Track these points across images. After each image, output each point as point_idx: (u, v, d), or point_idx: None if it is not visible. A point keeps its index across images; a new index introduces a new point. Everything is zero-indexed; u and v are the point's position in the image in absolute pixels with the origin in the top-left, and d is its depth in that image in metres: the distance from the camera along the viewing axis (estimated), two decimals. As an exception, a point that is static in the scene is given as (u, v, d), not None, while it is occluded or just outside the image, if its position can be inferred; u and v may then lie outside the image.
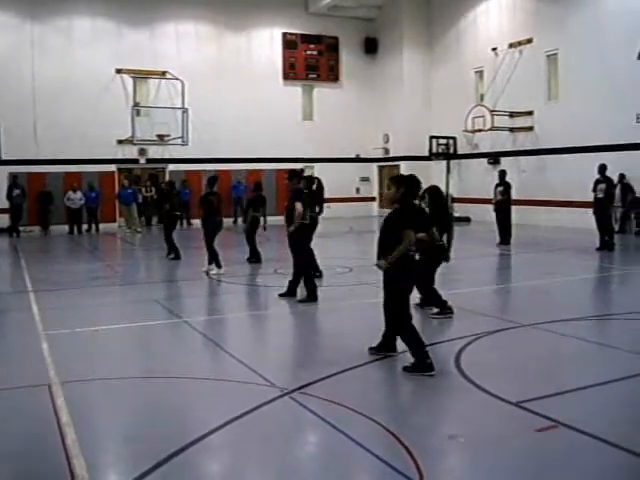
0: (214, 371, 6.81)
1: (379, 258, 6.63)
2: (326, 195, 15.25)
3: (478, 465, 4.58)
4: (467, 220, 26.39)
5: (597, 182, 16.47)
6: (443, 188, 27.27)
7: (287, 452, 4.81)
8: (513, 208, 18.14)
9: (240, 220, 24.13)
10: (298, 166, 28.57)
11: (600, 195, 16.21)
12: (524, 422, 5.15)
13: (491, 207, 17.95)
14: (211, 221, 13.57)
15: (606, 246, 15.90)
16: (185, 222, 26.99)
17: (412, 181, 6.77)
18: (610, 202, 16.51)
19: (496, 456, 4.64)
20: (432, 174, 29.41)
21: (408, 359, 6.72)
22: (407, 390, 6.13)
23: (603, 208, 16.18)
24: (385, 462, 4.42)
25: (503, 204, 17.57)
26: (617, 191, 20.36)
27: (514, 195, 19.29)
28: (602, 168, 16.53)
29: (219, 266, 13.33)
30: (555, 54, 23.41)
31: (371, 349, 7.02)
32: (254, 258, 14.81)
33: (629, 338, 7.61)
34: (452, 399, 5.95)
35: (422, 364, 6.39)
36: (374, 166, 31.85)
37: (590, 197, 16.64)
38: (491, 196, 18.28)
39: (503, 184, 17.89)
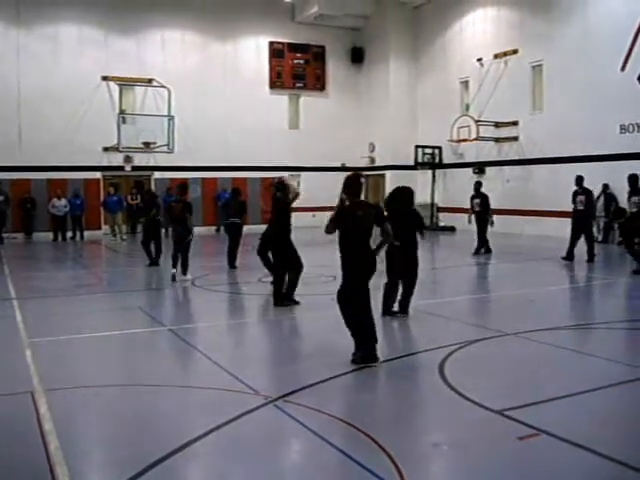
0: (198, 379, 6.80)
1: None
2: (312, 204, 15.52)
3: (461, 473, 4.61)
4: (452, 229, 26.51)
5: (575, 194, 16.36)
6: (429, 198, 27.52)
7: (271, 460, 4.81)
8: (498, 218, 18.23)
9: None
10: (285, 174, 28.79)
11: (580, 207, 16.08)
12: (507, 430, 5.18)
13: (472, 217, 17.93)
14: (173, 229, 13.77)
15: (570, 258, 15.69)
16: (171, 230, 26.96)
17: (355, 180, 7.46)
18: (591, 213, 16.39)
19: (479, 464, 4.66)
20: (417, 183, 29.54)
21: (391, 367, 6.76)
22: (391, 398, 6.15)
23: (584, 219, 16.08)
24: (368, 470, 4.43)
25: (481, 215, 17.63)
26: (600, 201, 20.56)
27: (499, 205, 19.45)
28: (579, 179, 16.41)
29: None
30: (540, 65, 23.60)
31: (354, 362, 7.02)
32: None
33: (609, 347, 7.68)
34: (436, 407, 5.97)
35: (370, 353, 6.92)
36: (360, 175, 31.83)
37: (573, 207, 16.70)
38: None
39: (480, 196, 17.89)
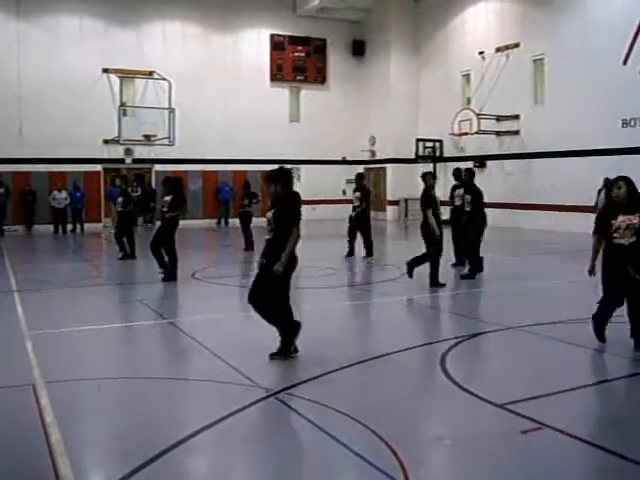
0: (199, 372, 6.78)
1: (269, 260, 6.73)
2: (312, 197, 15.57)
3: (464, 467, 4.60)
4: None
5: (454, 188, 14.51)
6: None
7: (272, 453, 4.80)
8: (498, 211, 18.13)
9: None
10: (289, 166, 28.67)
11: (458, 202, 13.92)
12: (509, 424, 5.17)
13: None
14: None
15: (461, 263, 13.53)
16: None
17: (287, 174, 6.97)
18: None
19: (482, 458, 4.65)
20: (418, 177, 29.52)
21: (393, 360, 6.76)
22: (393, 392, 6.13)
23: (463, 217, 13.50)
24: (371, 463, 4.42)
25: (361, 213, 15.71)
26: (601, 195, 20.53)
27: (500, 198, 19.34)
28: (457, 171, 14.65)
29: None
30: (542, 59, 23.55)
31: (273, 355, 6.92)
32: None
33: (612, 341, 7.65)
34: (438, 401, 5.96)
35: (290, 346, 6.88)
36: (360, 168, 31.83)
37: (575, 201, 16.63)
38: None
39: (360, 189, 16.03)
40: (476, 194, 12.69)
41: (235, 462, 4.71)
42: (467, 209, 12.80)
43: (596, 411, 5.60)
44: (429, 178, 12.00)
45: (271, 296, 6.82)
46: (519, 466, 4.52)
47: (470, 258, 12.68)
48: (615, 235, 6.97)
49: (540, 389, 5.94)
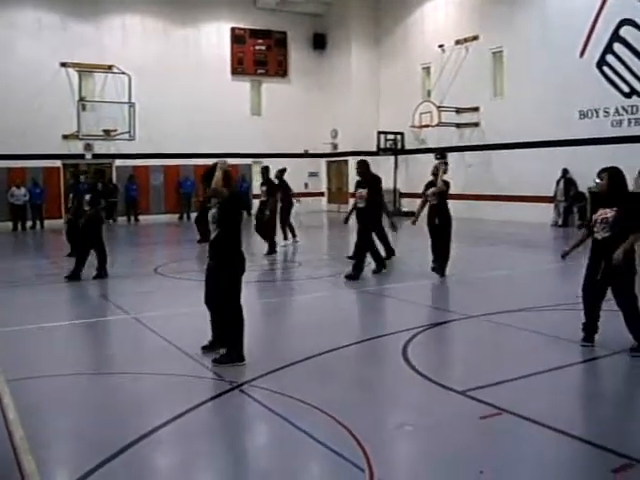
0: (163, 366, 6.77)
1: (215, 261, 6.79)
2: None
3: (425, 452, 4.69)
4: (414, 215, 26.62)
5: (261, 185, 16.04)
6: (391, 184, 27.61)
7: (237, 445, 4.84)
8: (459, 202, 18.31)
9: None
10: (247, 161, 28.62)
11: (263, 198, 15.65)
12: (469, 410, 5.28)
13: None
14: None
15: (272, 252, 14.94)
16: (133, 218, 26.83)
17: (226, 172, 6.73)
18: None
19: (443, 443, 4.75)
20: (380, 169, 29.65)
21: (355, 350, 6.83)
22: (355, 381, 6.20)
23: (260, 212, 15.58)
24: (334, 451, 4.49)
25: (268, 206, 15.40)
26: (560, 186, 20.91)
27: (461, 190, 19.47)
28: (265, 171, 16.02)
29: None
30: (500, 51, 23.82)
31: (205, 348, 6.82)
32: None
33: (570, 328, 7.81)
34: (400, 389, 6.04)
35: (237, 353, 6.53)
36: (322, 161, 31.99)
37: (534, 192, 16.78)
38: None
39: (266, 183, 15.71)
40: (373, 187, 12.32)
41: (200, 455, 4.73)
42: (360, 205, 12.10)
43: (554, 396, 5.72)
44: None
45: (223, 297, 6.69)
46: (479, 450, 4.63)
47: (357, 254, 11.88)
48: (594, 229, 6.78)
49: (500, 376, 6.06)
